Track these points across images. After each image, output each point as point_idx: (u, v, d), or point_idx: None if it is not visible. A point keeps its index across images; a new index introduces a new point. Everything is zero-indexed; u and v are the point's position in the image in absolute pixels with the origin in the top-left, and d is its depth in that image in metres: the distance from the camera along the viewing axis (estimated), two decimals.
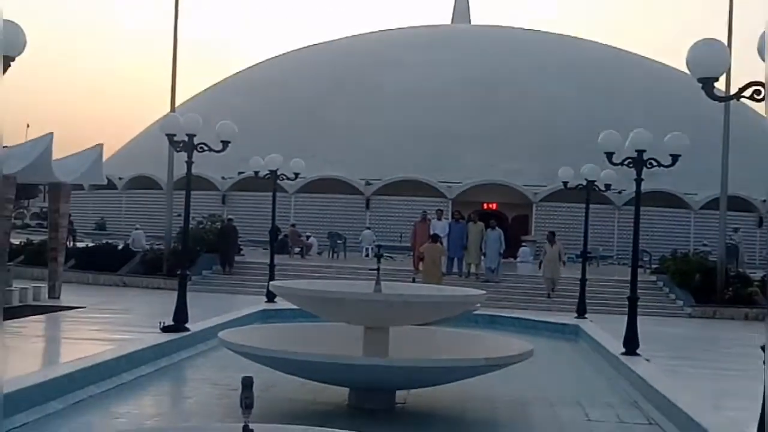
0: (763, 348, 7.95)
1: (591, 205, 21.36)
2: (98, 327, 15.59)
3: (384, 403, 9.81)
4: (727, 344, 18.05)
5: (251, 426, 4.49)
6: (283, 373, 10.01)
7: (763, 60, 7.78)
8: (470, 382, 10.33)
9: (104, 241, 28.57)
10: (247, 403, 4.55)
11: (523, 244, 36.45)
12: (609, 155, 14.61)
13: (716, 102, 8.89)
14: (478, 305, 16.17)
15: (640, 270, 20.69)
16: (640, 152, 13.88)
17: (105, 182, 24.29)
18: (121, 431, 8.88)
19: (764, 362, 7.86)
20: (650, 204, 37.00)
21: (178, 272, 14.82)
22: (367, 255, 31.88)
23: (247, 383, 4.63)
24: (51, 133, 18.27)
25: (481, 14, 66.48)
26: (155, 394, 10.92)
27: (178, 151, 14.45)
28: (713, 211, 30.39)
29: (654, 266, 28.74)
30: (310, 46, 57.82)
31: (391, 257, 29.39)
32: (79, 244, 30.01)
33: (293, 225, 32.34)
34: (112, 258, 25.20)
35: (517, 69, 46.31)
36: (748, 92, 7.78)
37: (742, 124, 26.96)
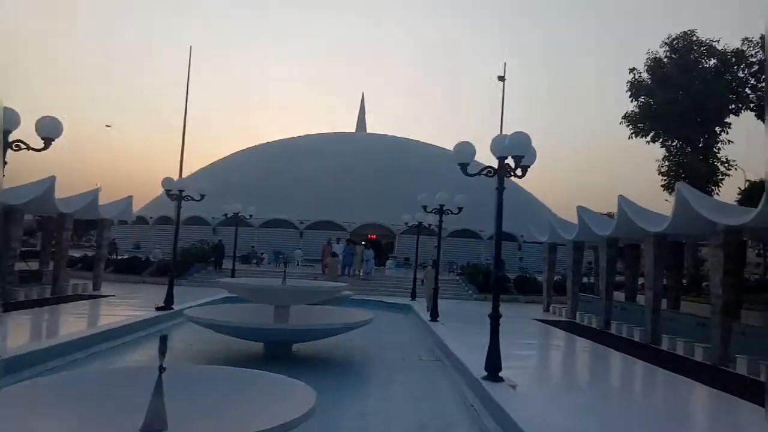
0: (489, 316, 8.21)
1: (425, 236, 21.54)
2: (119, 307, 14.67)
3: (285, 351, 9.56)
4: None
5: (165, 366, 4.27)
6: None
7: (494, 155, 8.09)
8: (338, 337, 10.13)
9: (133, 256, 26.97)
10: (162, 350, 4.29)
11: (389, 258, 36.59)
12: (424, 207, 14.85)
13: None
14: (350, 293, 16.00)
15: (450, 273, 20.86)
16: (442, 205, 14.20)
17: (134, 219, 23.20)
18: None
19: (490, 326, 8.11)
20: (460, 236, 38.12)
21: (168, 273, 14.08)
22: (297, 264, 31.19)
23: (163, 338, 4.37)
24: (98, 188, 17.34)
25: (373, 126, 66.43)
26: (144, 348, 10.26)
27: (173, 200, 13.57)
28: (493, 240, 31.08)
29: (458, 271, 28.94)
30: (270, 142, 57.19)
31: (312, 265, 28.96)
32: (120, 257, 28.36)
33: (253, 246, 31.50)
34: (138, 266, 23.87)
35: (391, 158, 46.99)
36: (483, 172, 8.10)
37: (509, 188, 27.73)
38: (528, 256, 36.58)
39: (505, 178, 7.89)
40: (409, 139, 57.85)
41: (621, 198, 14.56)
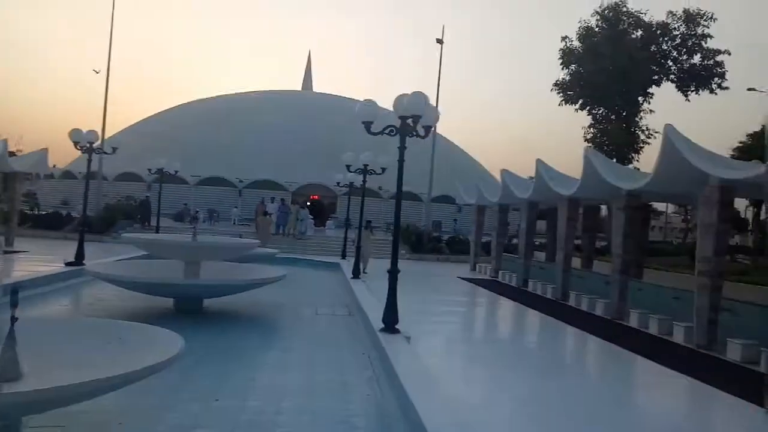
0: (388, 271, 8.35)
1: (367, 198, 20.39)
2: (27, 263, 14.05)
3: (195, 306, 9.40)
4: (421, 274, 18.66)
5: (17, 316, 4.20)
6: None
7: (396, 114, 8.10)
8: (255, 293, 9.85)
9: (55, 211, 25.40)
10: (13, 302, 4.20)
11: (329, 218, 36.55)
12: (348, 166, 14.73)
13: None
14: (276, 251, 15.94)
15: (387, 233, 20.33)
16: (366, 165, 14.18)
17: (49, 173, 22.02)
18: None
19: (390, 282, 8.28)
20: (404, 198, 38.19)
21: (80, 229, 13.34)
22: (234, 223, 30.52)
23: (14, 290, 4.27)
24: (5, 139, 16.25)
25: (320, 84, 64.78)
26: (44, 303, 9.47)
27: (83, 153, 12.68)
28: (433, 203, 31.27)
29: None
30: (211, 97, 55.07)
31: (248, 224, 28.51)
32: (44, 213, 26.77)
33: (185, 204, 30.51)
34: (59, 221, 22.72)
35: (333, 116, 46.11)
36: (386, 130, 8.14)
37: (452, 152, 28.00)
38: (465, 218, 37.36)
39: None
40: (353, 99, 57.05)
41: (538, 162, 15.01)
